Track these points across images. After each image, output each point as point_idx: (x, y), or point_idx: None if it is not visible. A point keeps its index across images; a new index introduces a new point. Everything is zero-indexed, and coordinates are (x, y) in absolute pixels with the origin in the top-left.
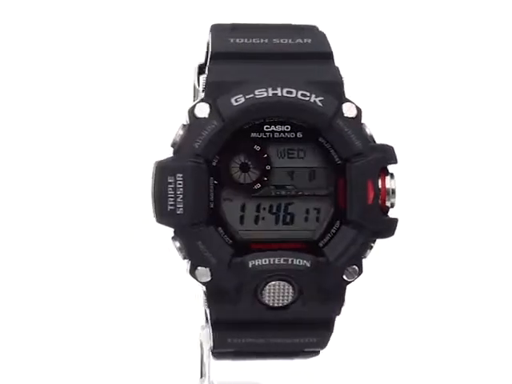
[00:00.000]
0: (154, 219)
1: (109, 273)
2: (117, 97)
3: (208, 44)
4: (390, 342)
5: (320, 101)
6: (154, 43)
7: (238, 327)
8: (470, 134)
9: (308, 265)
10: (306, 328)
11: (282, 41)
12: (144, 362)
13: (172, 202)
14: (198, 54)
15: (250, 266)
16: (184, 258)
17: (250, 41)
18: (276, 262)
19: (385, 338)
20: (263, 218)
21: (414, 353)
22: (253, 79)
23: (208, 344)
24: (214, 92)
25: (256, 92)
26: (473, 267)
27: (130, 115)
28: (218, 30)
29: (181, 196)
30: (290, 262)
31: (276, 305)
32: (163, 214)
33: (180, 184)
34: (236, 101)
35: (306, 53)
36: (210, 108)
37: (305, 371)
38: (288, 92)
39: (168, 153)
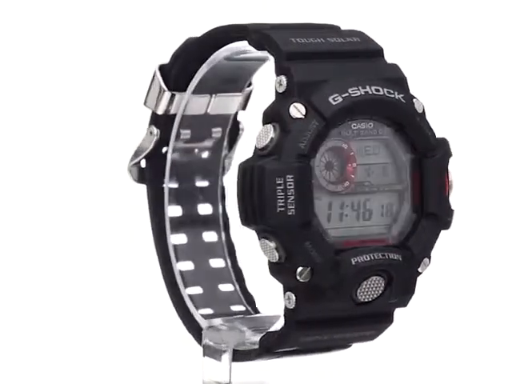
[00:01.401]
0: (250, 221)
1: (107, 274)
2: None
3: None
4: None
5: (402, 97)
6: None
7: (322, 325)
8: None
9: (400, 258)
10: (374, 321)
11: (336, 40)
12: (143, 364)
13: (282, 204)
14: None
15: (354, 263)
16: (279, 259)
17: (309, 40)
18: (376, 257)
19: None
20: (346, 215)
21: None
22: (334, 78)
23: (232, 345)
24: (302, 92)
25: (349, 90)
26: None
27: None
28: (274, 30)
29: (292, 197)
30: (387, 257)
31: (366, 300)
32: (272, 215)
33: (291, 185)
34: (334, 100)
35: (363, 51)
36: (306, 108)
37: (310, 371)
38: (376, 90)
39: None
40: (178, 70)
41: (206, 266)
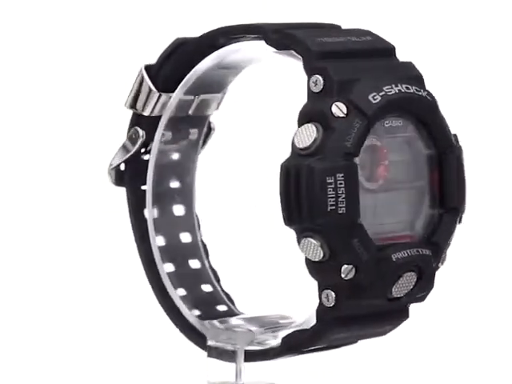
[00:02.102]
0: (294, 221)
1: (106, 276)
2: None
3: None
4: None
5: (427, 95)
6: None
7: (354, 322)
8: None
9: (431, 254)
10: (396, 316)
11: (354, 39)
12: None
13: (333, 202)
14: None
15: (394, 259)
16: (323, 257)
17: (333, 40)
18: (411, 253)
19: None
20: (378, 213)
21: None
22: (366, 76)
23: (243, 345)
24: (342, 91)
25: (385, 89)
26: None
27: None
28: (293, 29)
29: (342, 195)
30: (420, 252)
31: (397, 295)
32: (322, 214)
33: (341, 184)
34: (373, 98)
35: (380, 49)
36: (347, 107)
37: (316, 370)
38: (406, 88)
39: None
40: (170, 71)
41: (186, 267)
